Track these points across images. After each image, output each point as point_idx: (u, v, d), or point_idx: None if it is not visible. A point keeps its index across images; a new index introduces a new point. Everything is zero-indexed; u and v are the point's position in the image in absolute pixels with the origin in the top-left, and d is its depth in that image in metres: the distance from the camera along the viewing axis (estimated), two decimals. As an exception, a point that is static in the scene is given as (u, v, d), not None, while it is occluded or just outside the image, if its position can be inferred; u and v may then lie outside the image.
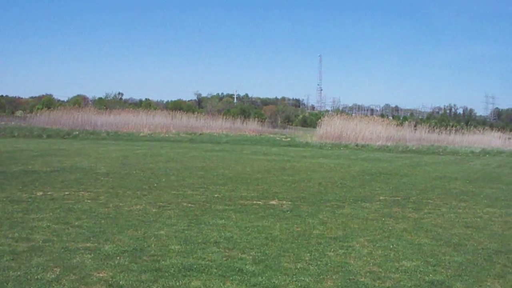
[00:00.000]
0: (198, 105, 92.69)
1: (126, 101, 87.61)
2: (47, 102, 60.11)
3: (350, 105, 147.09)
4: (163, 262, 6.70)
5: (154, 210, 10.09)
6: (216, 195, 12.22)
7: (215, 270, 6.46)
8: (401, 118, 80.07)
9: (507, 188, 16.22)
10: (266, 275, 6.36)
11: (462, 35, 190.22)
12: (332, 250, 7.68)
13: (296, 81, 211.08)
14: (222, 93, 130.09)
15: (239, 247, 7.58)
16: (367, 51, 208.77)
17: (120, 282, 5.92)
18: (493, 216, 11.11)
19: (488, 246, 8.39)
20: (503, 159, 32.47)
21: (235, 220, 9.52)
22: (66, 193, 11.68)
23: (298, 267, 6.75)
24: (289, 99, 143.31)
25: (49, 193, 11.59)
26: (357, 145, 37.92)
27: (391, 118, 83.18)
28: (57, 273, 6.13)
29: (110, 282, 5.92)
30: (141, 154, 23.24)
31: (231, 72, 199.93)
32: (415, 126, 48.26)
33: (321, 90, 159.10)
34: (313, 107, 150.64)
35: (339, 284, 6.20)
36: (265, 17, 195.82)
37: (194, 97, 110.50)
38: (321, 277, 6.41)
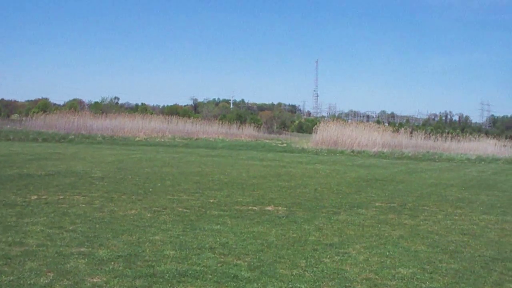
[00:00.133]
0: (194, 110, 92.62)
1: (122, 105, 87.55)
2: (43, 106, 59.88)
3: (346, 111, 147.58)
4: (157, 267, 6.65)
5: (149, 215, 10.03)
6: (211, 200, 12.16)
7: (210, 276, 6.41)
8: (397, 125, 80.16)
9: (503, 195, 16.21)
10: (262, 281, 6.31)
11: (458, 42, 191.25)
12: (328, 256, 7.64)
13: (292, 87, 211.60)
14: (218, 98, 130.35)
15: (234, 253, 7.53)
16: (363, 58, 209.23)
17: (114, 288, 5.87)
18: (489, 223, 11.09)
19: (485, 253, 8.36)
20: (498, 166, 32.50)
21: (231, 225, 9.47)
22: (61, 197, 11.61)
23: (294, 273, 6.70)
24: (285, 105, 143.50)
25: (43, 197, 11.51)
26: (353, 151, 37.90)
27: (387, 124, 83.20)
28: (51, 278, 6.06)
29: (104, 287, 5.86)
30: (137, 159, 23.17)
31: (227, 78, 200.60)
32: (411, 132, 48.29)
33: (317, 96, 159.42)
34: (309, 113, 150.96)
35: (335, 291, 6.16)
36: (262, 23, 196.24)
37: (190, 102, 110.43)
38: (317, 284, 6.36)
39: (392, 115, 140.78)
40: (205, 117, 63.23)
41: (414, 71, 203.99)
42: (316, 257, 7.57)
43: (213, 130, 50.70)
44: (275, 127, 72.28)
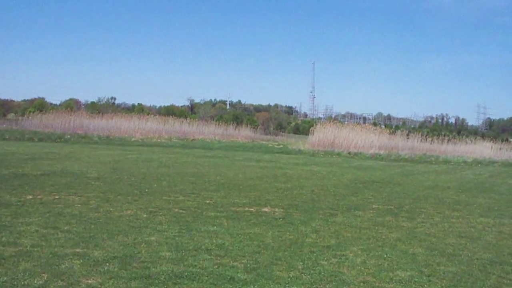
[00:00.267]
0: (191, 111, 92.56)
1: (118, 105, 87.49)
2: (39, 105, 59.68)
3: (343, 113, 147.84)
4: (153, 269, 6.58)
5: (145, 216, 9.95)
6: (208, 202, 12.09)
7: (206, 278, 6.34)
8: (394, 127, 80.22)
9: (500, 198, 16.20)
10: (258, 284, 6.25)
11: (455, 45, 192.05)
12: (325, 259, 7.58)
13: (289, 88, 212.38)
14: (215, 99, 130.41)
15: (230, 255, 7.46)
16: (360, 59, 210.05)
17: (109, 289, 5.80)
18: (486, 226, 11.05)
19: (483, 256, 8.31)
20: (495, 169, 32.55)
21: (227, 227, 9.40)
22: (56, 197, 11.53)
23: (291, 276, 6.64)
24: (282, 106, 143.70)
25: (38, 197, 11.42)
26: (349, 153, 37.90)
27: (383, 126, 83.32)
28: (45, 279, 5.99)
29: (98, 289, 5.80)
30: (133, 159, 23.08)
31: (224, 78, 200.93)
32: (407, 135, 48.29)
33: (314, 97, 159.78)
34: (305, 115, 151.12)
35: (333, 293, 6.10)
36: (259, 24, 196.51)
37: (187, 103, 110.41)
38: (314, 286, 6.30)
39: (389, 117, 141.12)
40: (201, 118, 63.17)
41: (411, 73, 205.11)
42: (313, 259, 7.51)
43: (210, 131, 50.61)
44: (271, 129, 72.29)
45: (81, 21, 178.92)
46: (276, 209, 11.58)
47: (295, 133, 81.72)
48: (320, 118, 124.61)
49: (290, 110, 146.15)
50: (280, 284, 6.28)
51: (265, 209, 11.50)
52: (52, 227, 8.56)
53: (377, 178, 20.43)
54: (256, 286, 6.16)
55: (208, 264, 6.91)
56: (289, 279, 6.51)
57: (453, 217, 12.01)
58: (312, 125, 49.90)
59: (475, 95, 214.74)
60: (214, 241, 8.25)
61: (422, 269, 7.32)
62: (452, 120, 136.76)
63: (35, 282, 5.87)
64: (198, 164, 22.28)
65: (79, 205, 10.65)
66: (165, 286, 5.98)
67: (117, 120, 46.55)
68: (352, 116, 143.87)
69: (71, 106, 62.43)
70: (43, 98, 78.87)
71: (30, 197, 11.35)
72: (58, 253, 7.03)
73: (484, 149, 47.50)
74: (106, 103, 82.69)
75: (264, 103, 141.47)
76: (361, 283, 6.52)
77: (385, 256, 7.96)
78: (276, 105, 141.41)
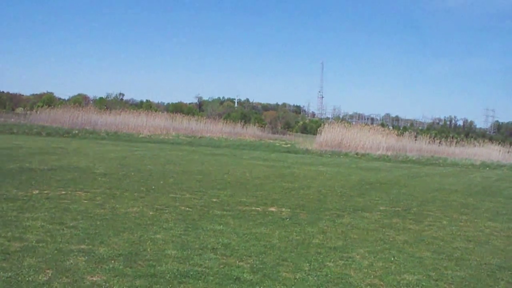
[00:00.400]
0: (199, 108, 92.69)
1: (127, 101, 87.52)
2: (48, 100, 59.95)
3: (351, 113, 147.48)
4: (158, 267, 6.53)
5: (151, 213, 9.91)
6: (214, 200, 12.04)
7: (211, 277, 6.29)
8: (401, 128, 79.91)
9: (507, 202, 16.08)
10: (264, 285, 6.19)
11: (463, 47, 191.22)
12: (332, 260, 7.51)
13: (297, 87, 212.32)
14: (223, 97, 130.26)
15: (236, 255, 7.41)
16: (368, 60, 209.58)
17: (114, 287, 5.75)
18: (494, 231, 10.95)
19: (491, 261, 8.22)
20: (503, 173, 32.35)
21: (233, 226, 9.35)
22: (63, 192, 11.50)
23: (297, 277, 6.58)
24: (289, 106, 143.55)
25: (45, 192, 11.40)
26: (357, 154, 37.77)
27: (391, 127, 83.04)
28: (49, 275, 5.95)
29: (103, 286, 5.75)
30: (140, 156, 23.07)
31: (232, 77, 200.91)
32: (415, 136, 48.07)
33: (322, 97, 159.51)
34: (313, 114, 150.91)
35: (339, 296, 6.04)
36: (268, 23, 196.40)
37: (195, 100, 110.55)
38: (321, 288, 6.24)
39: (397, 119, 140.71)
40: (209, 116, 63.20)
41: (419, 75, 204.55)
42: (320, 260, 7.45)
43: (217, 129, 50.60)
44: (279, 128, 72.23)
45: (91, 17, 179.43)
46: (283, 209, 11.51)
47: (302, 132, 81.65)
48: (328, 118, 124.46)
49: (298, 110, 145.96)
50: (286, 286, 6.22)
51: (272, 209, 11.45)
52: (58, 223, 8.53)
53: (384, 180, 20.33)
54: (262, 287, 6.10)
55: (213, 264, 6.86)
56: (295, 280, 6.45)
57: (461, 220, 11.91)
58: (320, 125, 49.76)
59: (483, 98, 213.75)
60: (220, 240, 8.20)
61: (429, 273, 7.24)
62: (460, 123, 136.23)
63: (40, 278, 5.84)
64: (205, 162, 22.25)
65: (85, 201, 10.62)
66: (170, 285, 5.93)
67: (125, 116, 46.62)
68: (360, 117, 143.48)
69: (80, 101, 62.66)
70: (51, 93, 79.21)
71: (37, 192, 11.33)
72: (63, 249, 7.00)
73: (492, 152, 47.27)
74: (114, 99, 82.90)
75: (272, 102, 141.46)
76: (368, 286, 6.46)
77: (392, 259, 7.89)
78: (284, 104, 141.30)
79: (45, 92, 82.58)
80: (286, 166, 23.51)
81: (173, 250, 7.37)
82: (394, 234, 9.73)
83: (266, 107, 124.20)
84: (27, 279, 5.78)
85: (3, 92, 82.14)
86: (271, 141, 47.98)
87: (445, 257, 8.26)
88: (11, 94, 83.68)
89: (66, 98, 79.59)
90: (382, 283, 6.63)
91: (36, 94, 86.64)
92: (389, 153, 39.13)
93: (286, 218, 10.45)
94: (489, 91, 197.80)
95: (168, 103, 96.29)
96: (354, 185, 17.47)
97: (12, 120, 44.73)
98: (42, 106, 48.24)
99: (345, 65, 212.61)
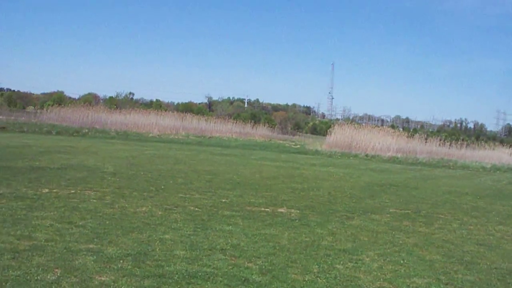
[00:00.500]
0: (209, 108, 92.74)
1: (136, 101, 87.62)
2: (58, 99, 60.09)
3: (361, 114, 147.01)
4: (167, 267, 6.51)
5: (160, 213, 9.90)
6: (223, 200, 12.02)
7: (220, 278, 6.26)
8: (412, 130, 79.62)
9: (519, 206, 15.95)
10: (273, 286, 6.16)
11: (475, 49, 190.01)
12: (341, 262, 7.47)
13: (307, 88, 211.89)
14: (233, 97, 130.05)
15: (245, 255, 7.37)
16: (379, 61, 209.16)
17: (122, 287, 5.73)
18: (505, 235, 10.87)
19: (502, 265, 8.15)
20: (514, 176, 32.12)
21: (242, 227, 9.32)
22: (72, 191, 11.52)
23: (306, 279, 6.54)
24: (299, 106, 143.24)
25: (54, 190, 11.42)
26: (366, 155, 37.64)
27: (401, 129, 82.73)
28: (58, 274, 5.95)
29: (111, 286, 5.73)
30: (149, 155, 23.09)
31: (242, 77, 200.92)
32: (426, 138, 47.84)
33: (332, 98, 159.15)
34: (323, 115, 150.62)
35: (348, 299, 6.00)
36: (279, 23, 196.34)
37: (205, 100, 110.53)
38: (330, 291, 6.20)
39: (407, 120, 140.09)
40: (219, 116, 63.16)
41: (430, 76, 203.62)
42: (329, 262, 7.41)
43: (227, 129, 50.57)
44: (289, 128, 72.11)
45: (102, 16, 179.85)
46: (292, 210, 11.47)
47: (312, 133, 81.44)
48: (338, 119, 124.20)
49: (308, 110, 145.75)
50: (295, 288, 6.19)
51: (281, 210, 11.41)
52: (67, 222, 8.53)
53: (394, 182, 20.24)
54: (270, 289, 6.07)
55: (222, 265, 6.83)
56: (304, 282, 6.41)
57: (471, 224, 11.83)
58: (330, 126, 49.63)
59: (495, 100, 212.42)
60: (229, 241, 8.17)
61: (439, 277, 7.18)
62: (471, 125, 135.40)
63: (48, 277, 5.83)
64: (214, 162, 22.24)
65: (94, 200, 10.62)
66: (179, 286, 5.91)
67: (134, 116, 46.67)
68: (370, 118, 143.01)
69: (90, 100, 62.79)
70: (62, 92, 79.35)
71: (46, 190, 11.34)
72: (72, 249, 6.99)
73: (503, 155, 46.98)
74: (124, 98, 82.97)
75: (282, 102, 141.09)
76: (378, 289, 6.41)
77: (402, 261, 7.83)
78: (294, 105, 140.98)
79: (56, 91, 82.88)
80: (296, 167, 23.46)
81: (182, 251, 7.35)
82: (404, 237, 9.67)
83: (276, 108, 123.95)
84: (35, 278, 5.77)
85: (13, 91, 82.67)
86: (281, 141, 47.91)
87: (455, 261, 8.19)
88: (21, 92, 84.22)
89: (76, 97, 79.88)
90: (391, 286, 6.58)
91: (46, 93, 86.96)
92: (399, 155, 38.97)
93: (296, 219, 10.41)
94: (501, 93, 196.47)
95: (178, 103, 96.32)
96: (364, 187, 17.40)
97: (23, 118, 44.87)
98: (52, 105, 48.36)
99: (355, 66, 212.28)
